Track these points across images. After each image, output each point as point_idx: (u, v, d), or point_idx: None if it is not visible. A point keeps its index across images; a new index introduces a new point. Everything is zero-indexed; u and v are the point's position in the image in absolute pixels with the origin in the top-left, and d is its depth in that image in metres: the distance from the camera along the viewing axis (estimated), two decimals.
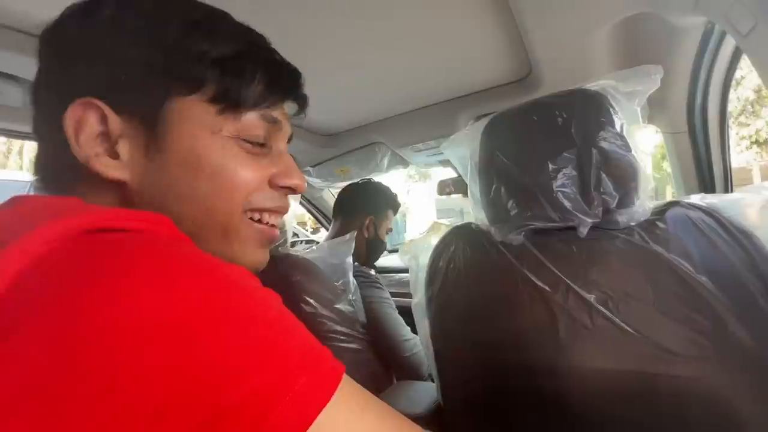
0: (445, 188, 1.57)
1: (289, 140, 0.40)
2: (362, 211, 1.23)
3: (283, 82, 0.37)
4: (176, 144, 0.32)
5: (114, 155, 0.31)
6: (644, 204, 0.54)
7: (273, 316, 0.25)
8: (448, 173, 1.61)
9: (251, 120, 0.34)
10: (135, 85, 0.31)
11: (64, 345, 0.19)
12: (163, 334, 0.21)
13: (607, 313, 0.50)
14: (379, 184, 1.32)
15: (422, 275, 0.72)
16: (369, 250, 1.24)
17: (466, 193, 1.36)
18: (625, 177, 0.52)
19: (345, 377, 0.25)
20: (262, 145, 0.35)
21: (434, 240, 0.72)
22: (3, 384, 0.19)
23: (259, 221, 0.36)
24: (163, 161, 0.32)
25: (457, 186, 1.53)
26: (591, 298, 0.51)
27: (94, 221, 0.24)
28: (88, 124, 0.30)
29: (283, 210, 0.38)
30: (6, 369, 0.19)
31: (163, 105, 0.31)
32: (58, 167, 0.32)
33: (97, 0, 0.31)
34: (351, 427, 0.24)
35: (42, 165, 0.33)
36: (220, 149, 0.33)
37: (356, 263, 1.10)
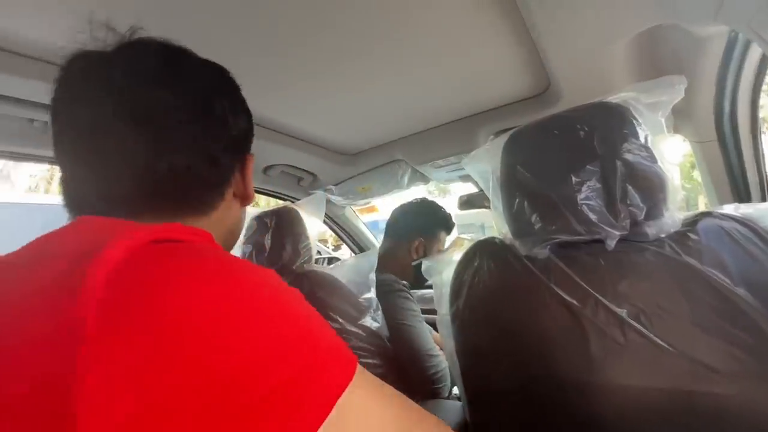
0: (465, 203, 1.57)
1: None
2: (412, 233, 1.22)
3: None
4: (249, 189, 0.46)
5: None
6: (674, 215, 0.53)
7: (303, 311, 0.30)
8: (468, 188, 1.61)
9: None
10: (247, 147, 0.46)
11: (155, 336, 0.23)
12: (227, 323, 0.25)
13: (640, 327, 0.49)
14: (432, 203, 1.31)
15: (446, 290, 0.72)
16: (416, 274, 1.19)
17: (487, 207, 1.35)
18: (652, 188, 0.51)
19: (359, 366, 0.29)
20: None
21: (457, 255, 0.73)
22: (108, 368, 0.22)
23: None
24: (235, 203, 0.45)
25: (477, 201, 1.52)
26: (622, 312, 0.50)
27: (156, 234, 0.29)
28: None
29: None
30: (112, 355, 0.22)
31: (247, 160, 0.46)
32: (176, 197, 0.39)
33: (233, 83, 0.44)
34: (367, 405, 0.29)
35: (123, 195, 0.36)
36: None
37: (383, 273, 1.10)
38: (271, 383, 0.24)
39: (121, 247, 0.26)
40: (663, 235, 0.52)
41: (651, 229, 0.51)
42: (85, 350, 0.22)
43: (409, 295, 1.09)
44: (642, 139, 0.52)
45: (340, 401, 0.26)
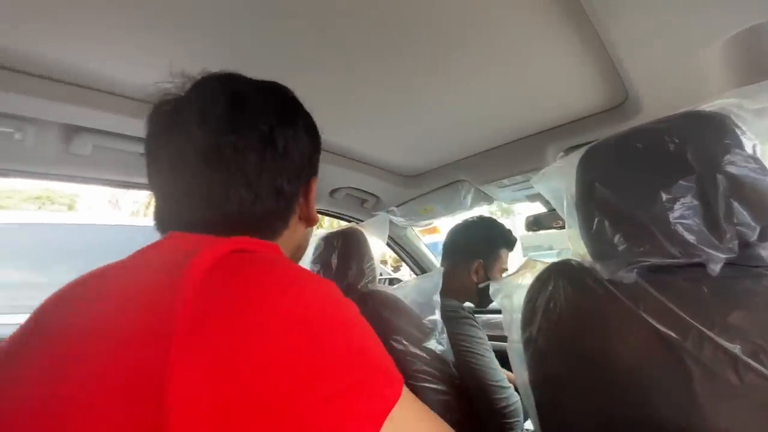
0: (532, 224, 1.49)
1: None
2: (471, 254, 1.17)
3: None
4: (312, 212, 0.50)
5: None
6: None
7: (362, 324, 0.33)
8: (534, 209, 1.53)
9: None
10: (312, 171, 0.49)
11: (236, 334, 0.26)
12: (296, 328, 0.28)
13: (761, 368, 0.41)
14: (489, 220, 1.26)
15: (517, 316, 0.68)
16: (480, 296, 1.16)
17: (557, 228, 1.27)
18: (765, 204, 0.44)
19: (404, 385, 0.32)
20: None
21: (528, 278, 0.69)
22: (196, 360, 0.25)
23: None
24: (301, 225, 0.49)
25: (546, 221, 1.44)
26: (735, 348, 0.43)
27: (233, 245, 0.34)
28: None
29: None
30: (200, 349, 0.26)
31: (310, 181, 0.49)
32: (251, 219, 0.42)
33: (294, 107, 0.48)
34: (409, 425, 0.31)
35: (210, 217, 0.41)
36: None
37: (448, 298, 1.07)
38: (333, 389, 0.26)
39: (207, 257, 0.31)
40: None
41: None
42: (177, 341, 0.25)
43: (475, 322, 1.05)
44: (749, 150, 0.46)
45: (392, 413, 0.28)
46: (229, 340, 0.26)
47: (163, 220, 0.43)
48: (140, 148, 0.89)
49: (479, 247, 1.18)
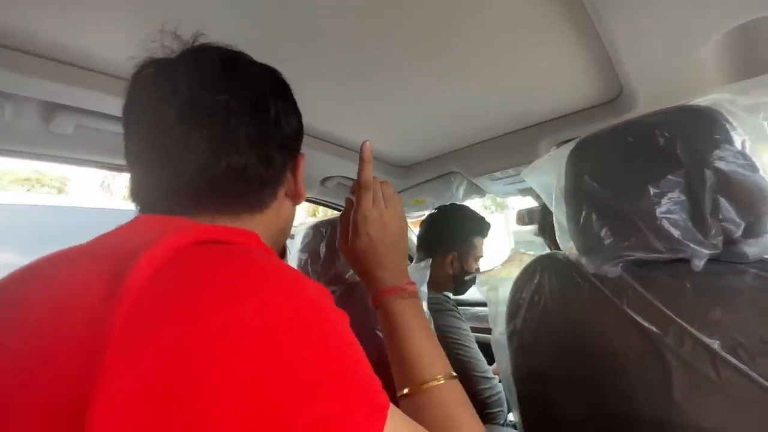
0: (524, 218, 1.49)
1: None
2: (443, 246, 1.16)
3: None
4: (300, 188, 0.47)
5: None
6: None
7: (343, 341, 0.28)
8: (526, 203, 1.53)
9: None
10: (298, 146, 0.46)
11: (180, 350, 0.22)
12: (257, 345, 0.23)
13: (738, 364, 0.42)
14: (460, 209, 1.25)
15: (502, 308, 0.68)
16: (457, 285, 1.16)
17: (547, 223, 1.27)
18: (751, 201, 0.44)
19: (391, 406, 0.27)
20: None
21: (515, 271, 0.68)
22: (128, 378, 0.21)
23: None
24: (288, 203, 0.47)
25: (537, 216, 1.44)
26: (714, 344, 0.43)
27: (202, 235, 0.29)
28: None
29: None
30: (134, 365, 0.22)
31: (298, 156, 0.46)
32: (234, 194, 0.40)
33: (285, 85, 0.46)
34: None
35: (178, 192, 0.38)
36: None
37: (431, 291, 1.07)
38: (297, 420, 0.22)
39: (160, 250, 0.26)
40: (767, 256, 0.44)
41: (752, 249, 0.44)
42: (109, 357, 0.21)
43: (459, 315, 1.05)
44: (738, 145, 0.46)
45: None
46: (168, 357, 0.21)
47: (141, 199, 0.40)
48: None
49: (451, 238, 1.17)
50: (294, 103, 0.47)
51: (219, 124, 0.38)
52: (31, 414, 0.21)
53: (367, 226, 0.51)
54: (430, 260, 1.09)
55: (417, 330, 0.47)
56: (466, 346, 0.99)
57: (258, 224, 0.41)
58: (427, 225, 1.27)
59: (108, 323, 0.22)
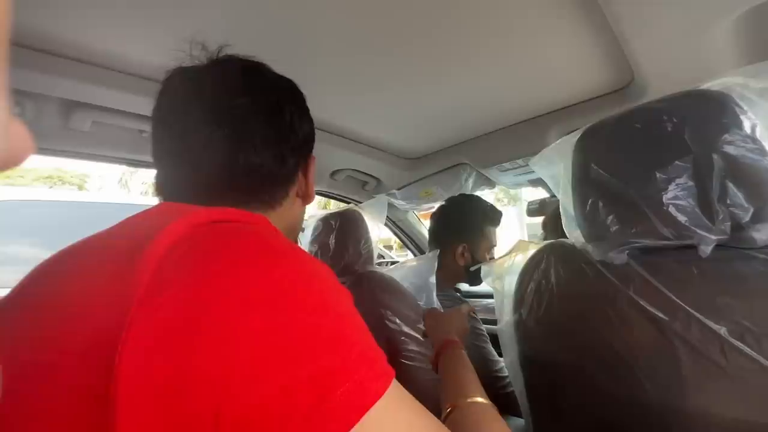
0: (534, 210, 1.47)
1: None
2: (454, 237, 1.15)
3: None
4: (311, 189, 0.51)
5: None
6: None
7: (344, 310, 0.29)
8: (538, 194, 1.51)
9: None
10: (310, 149, 0.51)
11: (191, 305, 0.25)
12: (260, 304, 0.26)
13: (746, 349, 0.41)
14: (468, 201, 1.24)
15: (508, 298, 0.68)
16: (471, 276, 1.15)
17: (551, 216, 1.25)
18: (760, 186, 0.43)
19: (395, 382, 0.28)
20: None
21: (521, 259, 0.69)
22: (148, 328, 0.24)
23: None
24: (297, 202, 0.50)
25: (548, 206, 1.42)
26: (721, 330, 0.43)
27: (214, 215, 0.32)
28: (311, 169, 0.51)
29: None
30: (154, 317, 0.25)
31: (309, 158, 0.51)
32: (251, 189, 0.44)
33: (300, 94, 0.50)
34: (397, 421, 0.27)
35: (201, 185, 0.42)
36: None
37: (444, 285, 1.07)
38: (296, 374, 0.24)
39: (181, 225, 0.29)
40: None
41: (760, 234, 0.43)
42: (134, 311, 0.24)
43: (474, 315, 1.05)
44: (747, 130, 0.45)
45: (371, 411, 0.25)
46: (183, 313, 0.25)
47: (165, 188, 0.44)
48: (140, 125, 0.90)
49: (462, 229, 1.15)
50: (307, 110, 0.51)
51: (239, 125, 0.42)
52: (72, 361, 0.25)
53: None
54: (438, 251, 1.09)
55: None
56: (480, 345, 0.99)
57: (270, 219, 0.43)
58: (437, 217, 1.27)
59: (133, 284, 0.25)
